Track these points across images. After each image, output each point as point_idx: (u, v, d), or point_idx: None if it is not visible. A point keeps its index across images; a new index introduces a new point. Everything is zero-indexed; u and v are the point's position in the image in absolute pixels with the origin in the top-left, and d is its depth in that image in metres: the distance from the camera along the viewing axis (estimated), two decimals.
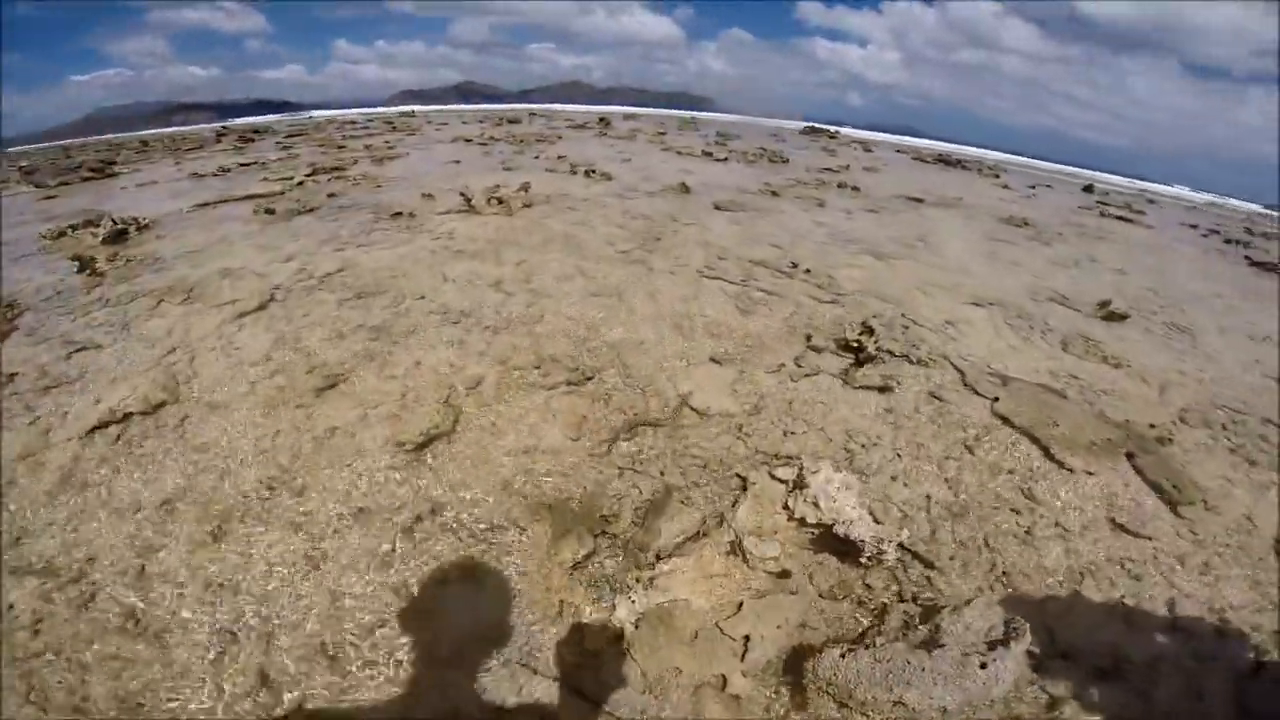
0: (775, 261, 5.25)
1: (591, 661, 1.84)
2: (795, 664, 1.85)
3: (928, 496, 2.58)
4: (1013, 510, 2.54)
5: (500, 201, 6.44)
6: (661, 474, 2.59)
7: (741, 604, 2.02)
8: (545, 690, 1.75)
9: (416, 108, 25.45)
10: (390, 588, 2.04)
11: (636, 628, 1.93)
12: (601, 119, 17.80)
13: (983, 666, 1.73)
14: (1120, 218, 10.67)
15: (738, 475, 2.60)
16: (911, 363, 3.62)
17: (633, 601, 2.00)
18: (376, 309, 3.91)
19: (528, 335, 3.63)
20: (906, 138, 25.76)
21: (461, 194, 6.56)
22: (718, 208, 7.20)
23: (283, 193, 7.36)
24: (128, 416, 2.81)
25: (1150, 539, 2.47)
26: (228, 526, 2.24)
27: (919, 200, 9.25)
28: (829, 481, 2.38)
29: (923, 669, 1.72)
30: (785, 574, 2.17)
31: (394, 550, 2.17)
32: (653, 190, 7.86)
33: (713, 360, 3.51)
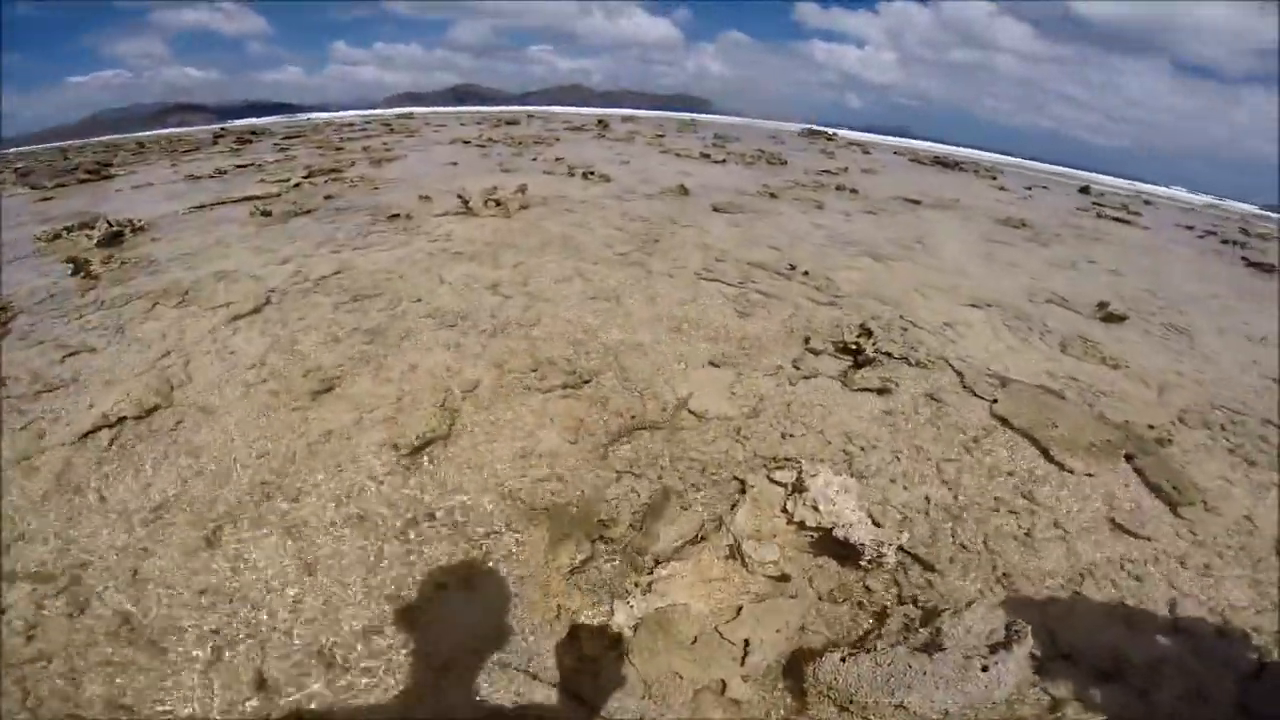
0: (773, 263, 5.25)
1: (590, 666, 1.83)
2: (795, 668, 1.83)
3: (927, 499, 2.57)
4: (1012, 512, 2.54)
5: (498, 203, 6.43)
6: (659, 478, 2.57)
7: (741, 608, 2.00)
8: (543, 695, 1.74)
9: (415, 109, 25.45)
10: (386, 593, 2.02)
11: (635, 632, 1.91)
12: (600, 121, 17.79)
13: (984, 669, 1.72)
14: (1117, 219, 10.69)
15: (736, 478, 2.58)
16: (910, 365, 3.61)
17: (631, 606, 1.98)
18: (373, 312, 3.90)
19: (525, 338, 3.62)
20: (904, 139, 25.82)
21: (459, 196, 6.55)
22: (716, 210, 7.20)
23: (279, 195, 7.33)
24: (121, 420, 2.78)
25: (1150, 540, 2.46)
26: (222, 531, 2.22)
27: (917, 202, 9.27)
28: (828, 484, 2.37)
29: (924, 672, 1.71)
30: (785, 578, 2.15)
31: (389, 555, 2.15)
32: (651, 192, 7.86)
33: (711, 363, 3.50)
